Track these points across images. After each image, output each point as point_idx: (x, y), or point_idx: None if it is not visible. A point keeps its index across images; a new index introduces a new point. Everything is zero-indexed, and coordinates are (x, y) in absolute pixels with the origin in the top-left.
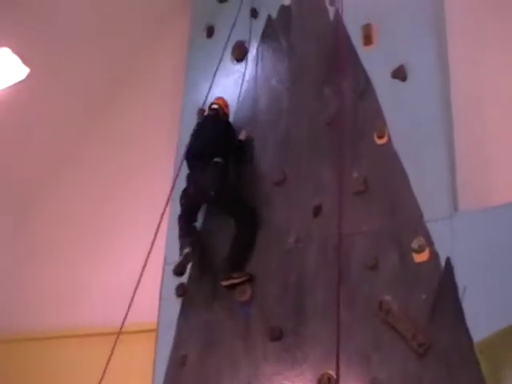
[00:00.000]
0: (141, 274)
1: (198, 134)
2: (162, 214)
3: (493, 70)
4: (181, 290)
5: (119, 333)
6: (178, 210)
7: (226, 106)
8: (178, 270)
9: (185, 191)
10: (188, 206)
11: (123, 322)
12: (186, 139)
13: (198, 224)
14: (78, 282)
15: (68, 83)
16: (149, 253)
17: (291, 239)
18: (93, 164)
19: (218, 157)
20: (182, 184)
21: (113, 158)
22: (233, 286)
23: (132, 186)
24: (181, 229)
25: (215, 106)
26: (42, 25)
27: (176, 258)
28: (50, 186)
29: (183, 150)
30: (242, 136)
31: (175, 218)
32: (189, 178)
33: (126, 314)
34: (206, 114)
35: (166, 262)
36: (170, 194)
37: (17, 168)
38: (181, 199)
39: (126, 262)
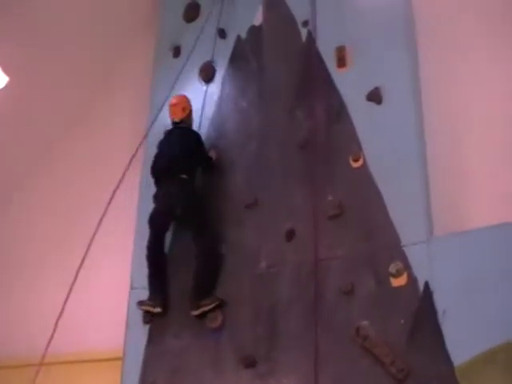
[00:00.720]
0: (67, 297)
1: (162, 149)
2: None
3: (464, 92)
4: (148, 317)
5: (40, 364)
6: (143, 231)
7: (185, 107)
8: (146, 320)
9: (153, 211)
10: (156, 227)
11: (45, 351)
12: (151, 161)
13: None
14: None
15: (38, 96)
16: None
17: (263, 264)
18: (52, 184)
19: (185, 172)
20: (146, 205)
21: (73, 179)
22: (204, 314)
23: (96, 207)
24: (151, 269)
25: (177, 120)
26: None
27: (143, 283)
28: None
29: (148, 170)
30: (213, 155)
31: (140, 243)
32: (155, 195)
33: (49, 342)
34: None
35: (132, 287)
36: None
37: None
38: (149, 220)
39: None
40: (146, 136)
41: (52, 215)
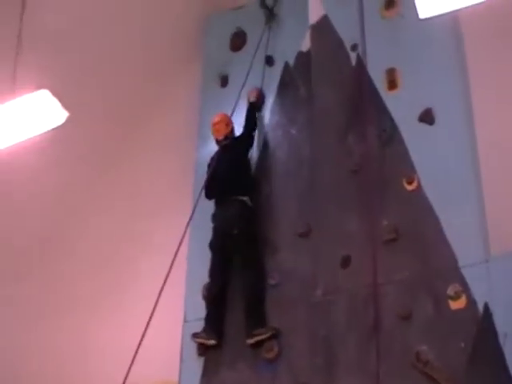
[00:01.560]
0: (143, 334)
1: (215, 167)
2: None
3: None
4: (202, 349)
5: None
6: (196, 263)
7: (228, 123)
8: (200, 353)
9: (211, 242)
10: (216, 257)
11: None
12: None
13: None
14: (86, 342)
15: (85, 129)
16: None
17: (319, 292)
18: (101, 217)
19: (241, 190)
20: (198, 237)
21: (122, 212)
22: (259, 343)
23: (145, 241)
24: (210, 296)
25: (221, 137)
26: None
27: (196, 315)
28: (54, 240)
29: (196, 204)
30: (253, 96)
31: (193, 275)
32: (214, 215)
33: (127, 375)
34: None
35: (185, 320)
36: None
37: (23, 217)
38: (209, 244)
39: (138, 321)
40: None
41: (107, 251)
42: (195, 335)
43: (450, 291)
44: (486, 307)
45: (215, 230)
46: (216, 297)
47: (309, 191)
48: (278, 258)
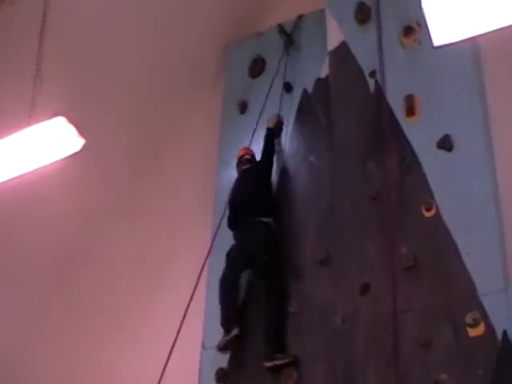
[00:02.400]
0: (167, 361)
1: (237, 191)
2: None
3: None
4: (221, 376)
5: None
6: (215, 290)
7: (253, 154)
8: (224, 348)
9: (231, 251)
10: (233, 267)
11: None
12: (220, 220)
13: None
14: (104, 368)
15: (105, 158)
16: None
17: (338, 319)
18: (121, 242)
19: (264, 213)
20: (218, 263)
21: (142, 238)
22: (276, 368)
23: (165, 269)
24: (223, 300)
25: (248, 157)
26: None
27: (215, 342)
28: (76, 263)
29: (218, 232)
30: (272, 122)
31: (212, 302)
32: (235, 236)
33: None
34: (241, 168)
35: (203, 347)
36: (198, 277)
37: (46, 241)
38: (227, 259)
39: (158, 347)
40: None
41: (127, 276)
42: (219, 344)
43: (469, 319)
44: (505, 335)
45: (238, 249)
46: (229, 297)
47: (328, 218)
48: (297, 285)
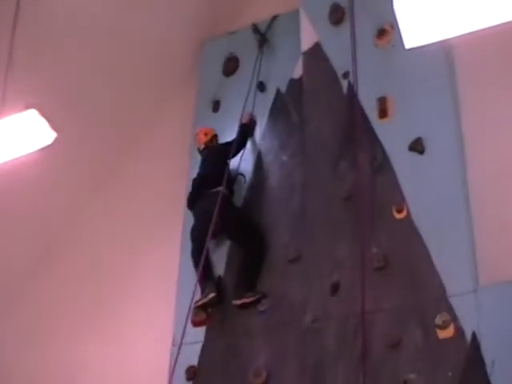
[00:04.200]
0: None
1: (200, 169)
2: None
3: (507, 141)
4: (191, 373)
5: None
6: (185, 287)
7: (206, 133)
8: (202, 307)
9: (192, 229)
10: (196, 241)
11: None
12: (192, 216)
13: None
14: (75, 365)
15: (77, 152)
16: None
17: (308, 318)
18: (93, 239)
19: (218, 184)
20: (189, 261)
21: (114, 235)
22: (244, 306)
23: (136, 264)
24: (197, 264)
25: (202, 146)
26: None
27: (185, 339)
28: (46, 260)
29: (189, 225)
30: (245, 118)
31: (182, 299)
32: (194, 214)
33: None
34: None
35: (173, 344)
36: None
37: (15, 239)
38: (190, 236)
39: (127, 344)
40: None
41: (98, 269)
42: (196, 303)
43: (439, 320)
44: (474, 336)
45: (196, 222)
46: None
47: (300, 217)
48: (267, 283)
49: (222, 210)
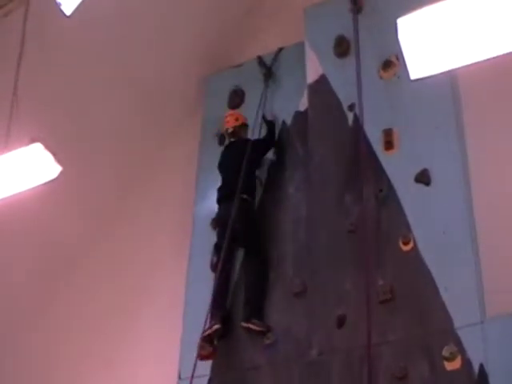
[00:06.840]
0: None
1: (222, 167)
2: None
3: None
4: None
5: None
6: (191, 320)
7: (238, 118)
8: (208, 338)
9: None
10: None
11: None
12: (198, 249)
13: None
14: None
15: (82, 187)
16: None
17: (314, 351)
18: (100, 272)
19: (245, 192)
20: (194, 292)
21: (120, 267)
22: (249, 331)
23: (141, 299)
24: (216, 283)
25: (230, 130)
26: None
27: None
28: (49, 295)
29: (195, 259)
30: (270, 116)
31: (189, 333)
32: (217, 215)
33: None
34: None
35: (180, 377)
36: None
37: (22, 268)
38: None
39: (133, 379)
40: None
41: (104, 305)
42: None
43: (446, 352)
44: (482, 368)
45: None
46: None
47: (305, 250)
48: (273, 317)
49: (245, 218)
